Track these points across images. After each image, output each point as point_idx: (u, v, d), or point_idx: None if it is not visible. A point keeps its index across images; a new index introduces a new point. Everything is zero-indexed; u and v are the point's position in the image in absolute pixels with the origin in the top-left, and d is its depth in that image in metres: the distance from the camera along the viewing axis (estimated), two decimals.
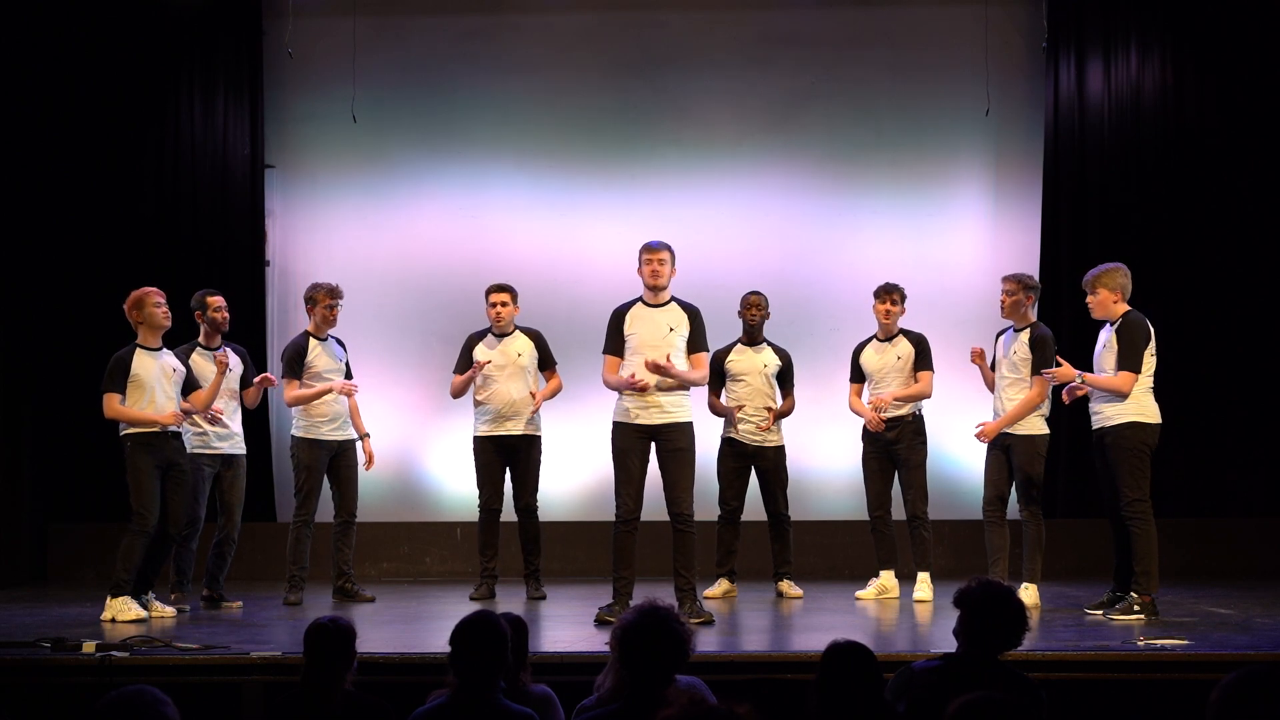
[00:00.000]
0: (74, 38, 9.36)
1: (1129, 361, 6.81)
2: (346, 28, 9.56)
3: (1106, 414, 6.90)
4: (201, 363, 7.65)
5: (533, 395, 8.00)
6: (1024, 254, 9.29)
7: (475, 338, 8.21)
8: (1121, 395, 6.81)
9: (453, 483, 9.41)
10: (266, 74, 9.63)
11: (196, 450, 7.59)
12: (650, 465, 6.84)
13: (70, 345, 9.18)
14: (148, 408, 7.00)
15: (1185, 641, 5.72)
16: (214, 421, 7.50)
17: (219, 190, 9.56)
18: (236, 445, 7.79)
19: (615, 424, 6.83)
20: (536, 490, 8.10)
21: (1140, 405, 6.84)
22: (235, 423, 7.78)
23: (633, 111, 9.73)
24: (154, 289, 7.18)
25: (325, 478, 7.95)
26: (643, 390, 6.65)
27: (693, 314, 6.85)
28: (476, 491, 8.17)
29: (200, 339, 7.78)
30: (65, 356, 9.19)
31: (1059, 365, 7.00)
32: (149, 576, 7.12)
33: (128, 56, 9.46)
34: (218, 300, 7.79)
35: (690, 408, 6.86)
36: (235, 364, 7.81)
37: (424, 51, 9.78)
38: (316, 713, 4.05)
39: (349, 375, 8.10)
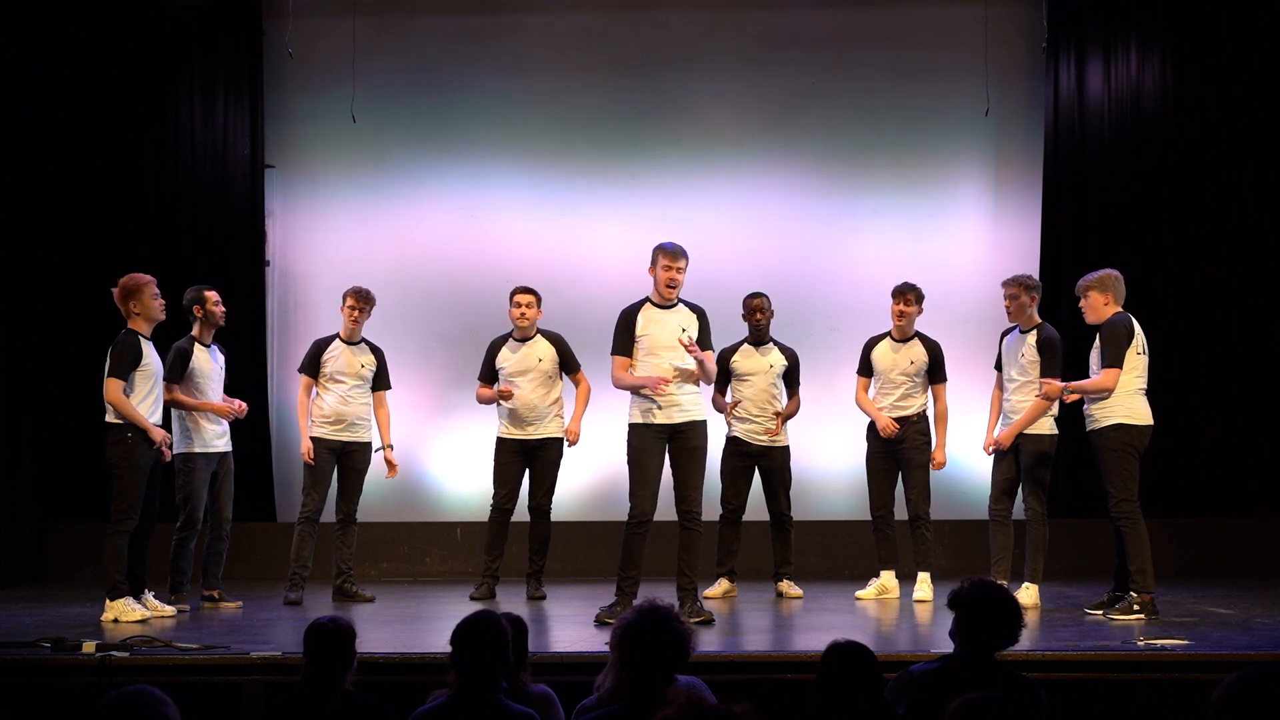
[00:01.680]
0: (74, 38, 9.36)
1: (1111, 359, 6.85)
2: (346, 28, 9.56)
3: (1095, 416, 6.94)
4: (201, 358, 7.62)
5: (569, 434, 8.00)
6: (1024, 254, 9.29)
7: (499, 343, 8.19)
8: (1106, 392, 6.84)
9: (453, 483, 9.42)
10: (266, 74, 9.63)
11: (195, 450, 7.59)
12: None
13: (70, 345, 9.17)
14: (149, 399, 7.04)
15: (1185, 641, 5.73)
16: (226, 415, 7.55)
17: (219, 190, 9.56)
18: (228, 443, 7.79)
19: (633, 425, 6.75)
20: (552, 491, 8.10)
21: (1127, 407, 6.86)
22: (223, 420, 7.75)
23: (633, 111, 9.73)
24: (151, 278, 7.18)
25: (334, 478, 7.97)
26: (663, 387, 6.60)
27: (700, 315, 6.85)
28: (483, 491, 8.18)
29: (196, 333, 7.69)
30: (65, 357, 9.18)
31: (1048, 381, 7.06)
32: (139, 575, 7.13)
33: (128, 56, 9.45)
34: (215, 295, 7.76)
35: (705, 405, 6.87)
36: (223, 362, 7.80)
37: (424, 51, 9.78)
38: (316, 713, 4.04)
39: (381, 383, 8.11)
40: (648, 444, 6.69)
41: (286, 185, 9.75)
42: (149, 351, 7.07)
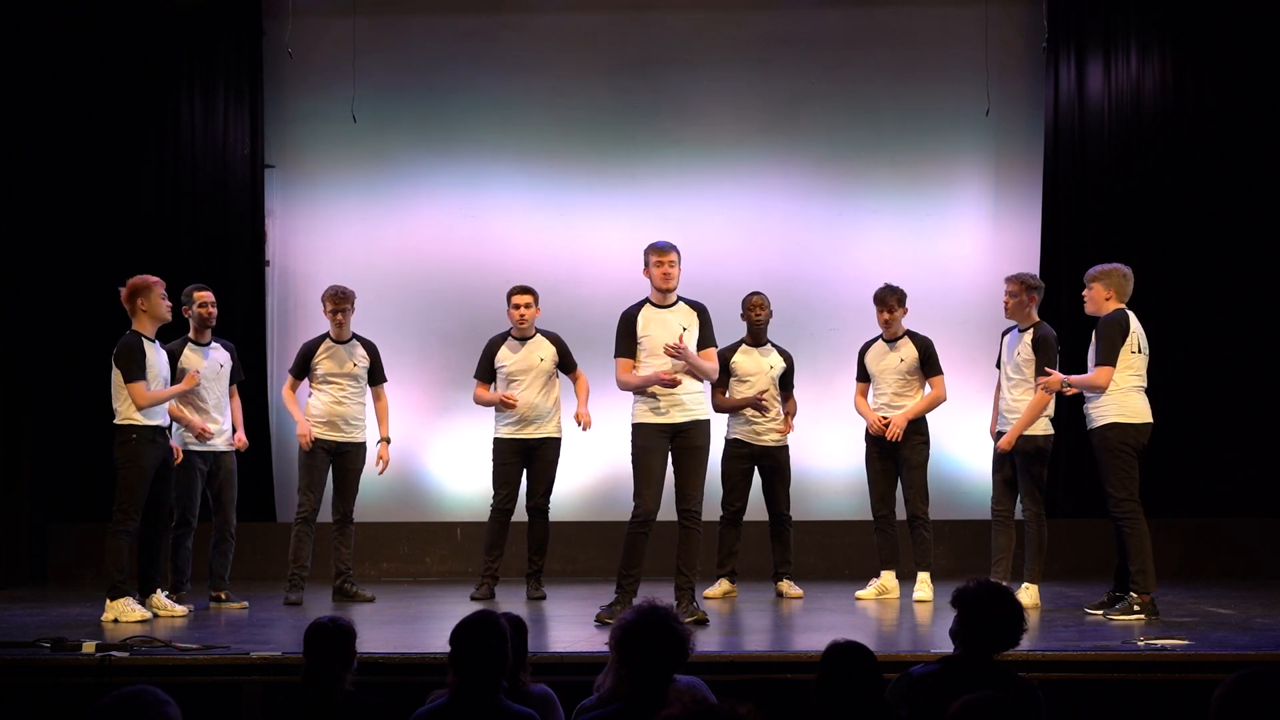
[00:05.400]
0: (74, 37, 9.36)
1: (1105, 357, 6.85)
2: (346, 28, 9.56)
3: (1092, 415, 6.94)
4: (192, 358, 7.59)
5: (580, 418, 7.91)
6: (1024, 254, 9.28)
7: (497, 341, 8.17)
8: (1099, 390, 6.83)
9: (453, 483, 9.42)
10: (266, 74, 9.63)
11: (189, 448, 7.56)
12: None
13: (70, 345, 9.17)
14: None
15: (1185, 641, 5.72)
16: (201, 437, 7.50)
17: (219, 190, 9.56)
18: (227, 443, 7.74)
19: (637, 425, 6.73)
20: (549, 491, 8.10)
21: (1122, 405, 6.85)
22: (225, 419, 7.73)
23: (633, 111, 9.73)
24: (159, 279, 7.18)
25: (330, 478, 7.96)
26: (673, 385, 6.59)
27: (701, 311, 6.85)
28: (483, 491, 8.18)
29: (190, 334, 7.69)
30: (65, 356, 9.18)
31: (1048, 374, 7.02)
32: (151, 575, 7.12)
33: (128, 56, 9.45)
34: (205, 295, 7.71)
35: (708, 405, 6.86)
36: (225, 360, 7.79)
37: (424, 51, 9.78)
38: (316, 713, 4.04)
39: (377, 377, 8.08)
40: (652, 443, 6.67)
41: (286, 185, 9.76)
42: (152, 351, 7.06)
